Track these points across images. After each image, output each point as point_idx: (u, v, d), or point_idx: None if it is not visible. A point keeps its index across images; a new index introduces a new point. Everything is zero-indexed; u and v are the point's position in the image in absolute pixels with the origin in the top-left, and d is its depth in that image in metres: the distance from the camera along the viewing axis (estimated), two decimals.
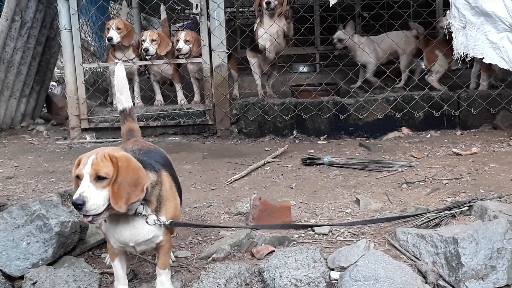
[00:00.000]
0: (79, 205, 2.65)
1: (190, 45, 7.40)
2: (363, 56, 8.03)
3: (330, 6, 6.54)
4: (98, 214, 2.71)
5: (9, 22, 7.41)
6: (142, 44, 7.44)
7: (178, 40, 7.45)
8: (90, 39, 9.18)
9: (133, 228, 2.88)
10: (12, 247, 3.41)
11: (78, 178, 2.74)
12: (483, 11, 6.05)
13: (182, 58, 7.44)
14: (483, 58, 6.16)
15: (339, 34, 8.23)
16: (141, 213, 2.86)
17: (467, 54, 6.22)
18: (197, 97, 7.72)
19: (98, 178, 2.70)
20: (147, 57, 7.47)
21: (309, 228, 3.90)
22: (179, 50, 7.38)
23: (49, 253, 3.42)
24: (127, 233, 2.88)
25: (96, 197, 2.68)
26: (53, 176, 5.50)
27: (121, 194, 2.72)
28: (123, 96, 3.49)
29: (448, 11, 6.37)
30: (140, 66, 7.67)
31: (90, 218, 2.70)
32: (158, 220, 2.91)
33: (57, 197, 4.56)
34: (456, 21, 6.22)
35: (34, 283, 3.19)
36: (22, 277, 3.30)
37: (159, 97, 7.82)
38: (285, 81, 7.98)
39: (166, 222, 2.93)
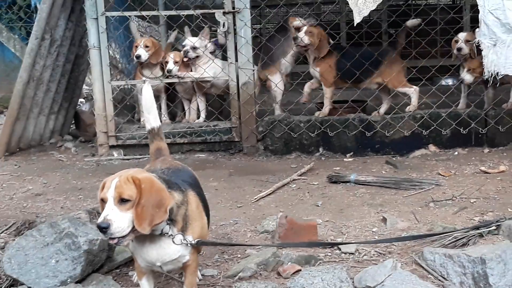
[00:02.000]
0: (103, 228, 2.68)
1: (178, 66, 7.53)
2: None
3: (355, 25, 6.55)
4: (124, 236, 2.74)
5: (39, 40, 7.51)
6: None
7: (167, 62, 7.55)
8: (118, 56, 9.28)
9: (160, 248, 2.90)
10: (41, 265, 3.45)
11: (103, 201, 2.77)
12: None
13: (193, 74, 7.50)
14: None
15: (194, 40, 7.58)
16: (167, 233, 2.88)
17: (497, 72, 6.19)
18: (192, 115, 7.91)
19: (122, 201, 2.73)
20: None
21: (335, 247, 3.90)
22: (169, 71, 7.50)
23: (78, 271, 3.46)
24: (153, 253, 2.90)
25: (120, 220, 2.71)
26: (81, 193, 5.56)
27: (145, 216, 2.74)
28: (151, 116, 3.53)
29: (477, 29, 6.34)
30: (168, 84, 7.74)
31: (116, 241, 2.74)
32: (185, 239, 2.92)
33: (85, 214, 4.60)
34: (486, 38, 6.19)
35: None
36: None
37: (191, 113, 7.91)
38: (311, 98, 7.96)
39: (193, 242, 2.95)
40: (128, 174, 2.80)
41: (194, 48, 7.46)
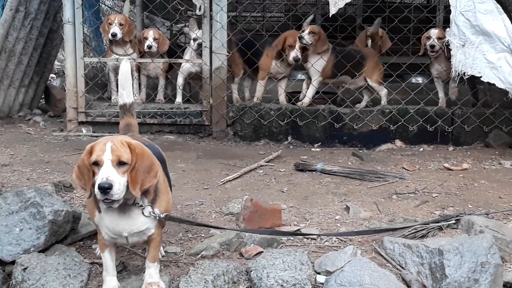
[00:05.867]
0: (107, 189, 2.70)
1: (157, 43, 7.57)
2: None
3: (330, 16, 6.61)
4: (118, 200, 2.78)
5: (13, 12, 7.45)
6: (144, 41, 7.50)
7: (146, 38, 7.56)
8: (90, 34, 9.23)
9: (129, 218, 2.94)
10: (5, 232, 3.45)
11: (96, 164, 2.79)
12: (483, 30, 6.12)
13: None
14: (481, 76, 6.23)
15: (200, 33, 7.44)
16: (138, 203, 2.93)
17: (464, 72, 6.29)
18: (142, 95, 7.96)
19: (119, 164, 2.77)
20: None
21: (298, 231, 3.95)
22: (149, 47, 7.52)
23: (41, 240, 3.46)
24: (122, 223, 2.93)
25: (119, 182, 2.75)
26: (48, 166, 5.54)
27: (138, 180, 2.80)
28: (125, 91, 3.53)
29: (448, 29, 6.44)
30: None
31: (112, 203, 2.78)
32: (153, 212, 2.97)
33: (51, 186, 4.63)
34: (456, 38, 6.29)
35: (25, 268, 3.23)
36: (13, 262, 3.34)
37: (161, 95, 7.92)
38: None
39: (161, 215, 3.00)
40: (120, 139, 2.84)
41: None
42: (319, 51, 7.29)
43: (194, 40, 7.48)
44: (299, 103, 7.30)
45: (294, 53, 7.18)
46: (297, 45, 7.20)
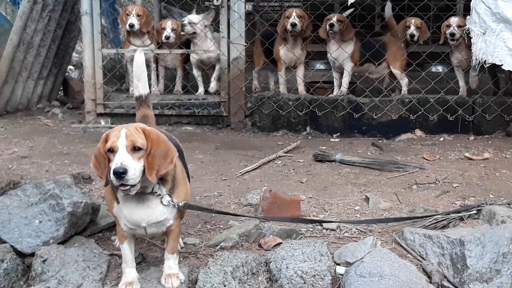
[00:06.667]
0: (121, 174, 2.70)
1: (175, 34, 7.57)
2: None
3: (349, 4, 6.56)
4: (134, 185, 2.78)
5: (31, 4, 7.46)
6: (162, 32, 7.49)
7: (164, 29, 7.53)
8: (109, 25, 9.24)
9: (147, 208, 2.93)
10: (24, 224, 3.46)
11: (111, 151, 2.78)
12: (504, 17, 6.04)
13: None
14: (502, 65, 6.16)
15: (192, 17, 7.54)
16: (156, 192, 2.92)
17: (485, 61, 6.22)
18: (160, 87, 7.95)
19: (134, 149, 2.77)
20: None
21: (317, 223, 3.93)
22: (167, 38, 7.49)
23: (61, 232, 3.47)
24: (140, 213, 2.93)
25: (135, 167, 2.75)
26: (67, 158, 5.55)
27: (154, 166, 2.80)
28: (141, 83, 3.53)
29: (468, 16, 6.37)
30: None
31: (127, 188, 2.76)
32: (172, 201, 2.96)
33: (70, 178, 4.63)
34: (476, 26, 6.22)
35: (44, 260, 3.24)
36: (32, 254, 3.35)
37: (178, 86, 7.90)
38: None
39: (180, 203, 2.99)
40: (135, 125, 2.85)
41: (191, 24, 7.39)
42: (345, 39, 7.27)
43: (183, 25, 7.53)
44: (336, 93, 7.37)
45: (292, 19, 7.17)
46: (293, 14, 7.19)
